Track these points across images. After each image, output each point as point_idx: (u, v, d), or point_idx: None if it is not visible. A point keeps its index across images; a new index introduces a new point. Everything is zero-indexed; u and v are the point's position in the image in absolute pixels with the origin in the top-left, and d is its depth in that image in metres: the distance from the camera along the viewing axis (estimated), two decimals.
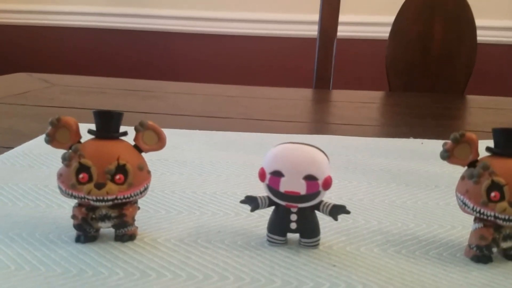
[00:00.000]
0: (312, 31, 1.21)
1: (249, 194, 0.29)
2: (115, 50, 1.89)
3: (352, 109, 0.80)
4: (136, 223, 0.30)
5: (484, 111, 0.83)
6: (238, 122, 0.66)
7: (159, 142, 0.28)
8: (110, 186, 0.26)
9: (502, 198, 0.26)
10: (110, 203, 0.27)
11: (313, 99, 0.91)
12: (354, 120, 0.70)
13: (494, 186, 0.26)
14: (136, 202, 0.29)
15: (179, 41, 1.83)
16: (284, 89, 0.98)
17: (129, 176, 0.27)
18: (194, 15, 1.80)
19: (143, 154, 0.29)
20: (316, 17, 1.08)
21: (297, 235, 0.29)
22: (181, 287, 0.24)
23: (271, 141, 0.53)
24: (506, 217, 0.26)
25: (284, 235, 0.29)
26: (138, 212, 0.30)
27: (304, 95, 0.94)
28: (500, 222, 0.26)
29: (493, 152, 0.28)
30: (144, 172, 0.28)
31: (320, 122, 0.70)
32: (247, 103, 0.81)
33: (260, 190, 0.28)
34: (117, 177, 0.26)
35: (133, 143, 0.28)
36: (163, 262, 0.26)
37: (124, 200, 0.27)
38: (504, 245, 0.27)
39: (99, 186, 0.26)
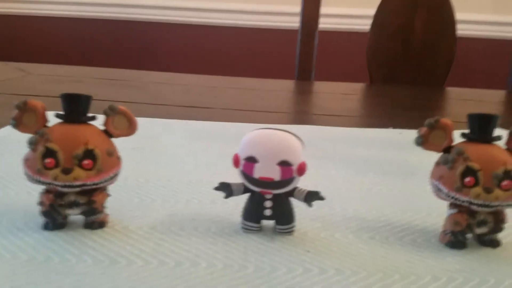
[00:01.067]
0: (294, 22, 1.21)
1: (224, 181, 0.29)
2: (93, 39, 1.85)
3: (333, 100, 0.80)
4: (107, 212, 0.29)
5: (464, 103, 0.83)
6: (219, 113, 0.65)
7: (130, 127, 0.28)
8: (78, 171, 0.26)
9: (476, 183, 0.26)
10: (78, 189, 0.26)
11: (295, 90, 0.91)
12: (335, 111, 0.70)
13: (469, 171, 0.26)
14: (105, 188, 0.28)
15: (159, 31, 1.81)
16: (266, 80, 0.97)
17: (97, 161, 0.26)
18: (174, 5, 1.77)
19: (113, 139, 0.28)
20: (298, 8, 1.07)
21: (272, 222, 0.29)
22: (151, 274, 0.23)
23: (251, 131, 0.52)
24: (481, 203, 0.26)
25: (259, 222, 0.29)
26: (110, 200, 0.30)
27: (286, 86, 0.94)
28: (474, 207, 0.26)
29: (468, 137, 0.28)
30: (113, 157, 0.27)
31: (301, 113, 0.70)
32: (228, 94, 0.80)
33: (238, 180, 0.28)
34: (85, 162, 0.26)
35: (102, 128, 0.27)
36: (134, 249, 0.26)
37: (92, 187, 0.26)
38: (479, 230, 0.27)
39: (66, 171, 0.25)
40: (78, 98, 0.26)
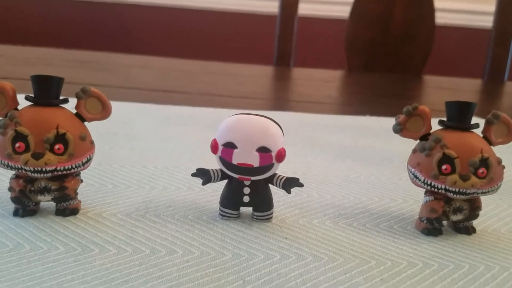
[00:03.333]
0: (273, 7, 1.20)
1: (202, 167, 0.28)
2: (65, 20, 1.80)
3: (312, 87, 0.80)
4: (80, 198, 0.28)
5: (441, 91, 0.84)
6: (195, 98, 0.64)
7: (104, 111, 0.27)
8: (49, 156, 0.25)
9: (453, 171, 0.26)
10: (49, 174, 0.25)
11: (273, 76, 0.90)
12: (313, 98, 0.70)
13: (446, 159, 0.26)
14: (78, 174, 0.27)
15: (134, 13, 1.77)
16: (244, 65, 0.96)
17: (69, 146, 0.25)
18: None
19: (86, 124, 0.27)
20: None
21: (250, 209, 0.28)
22: (125, 262, 0.23)
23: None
24: (457, 190, 0.26)
25: (237, 208, 0.28)
26: (83, 186, 0.29)
27: (264, 72, 0.93)
28: (450, 195, 0.26)
29: (446, 125, 0.28)
30: (86, 142, 0.26)
31: (280, 99, 0.70)
32: (205, 79, 0.79)
33: (216, 166, 0.27)
34: (57, 147, 0.25)
35: (74, 111, 0.26)
36: (107, 236, 0.25)
37: (64, 172, 0.25)
38: (454, 218, 0.27)
39: (37, 156, 0.24)
40: (50, 80, 0.25)
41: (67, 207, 0.27)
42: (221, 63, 0.97)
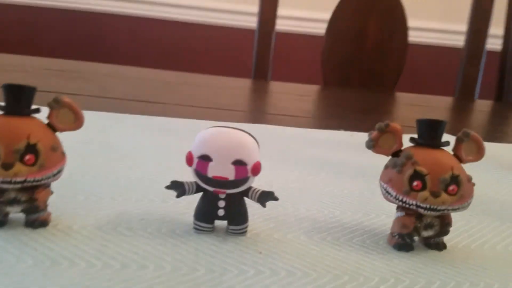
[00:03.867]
0: (252, 22, 1.21)
1: (177, 179, 0.28)
2: (42, 28, 1.77)
3: (288, 100, 0.80)
4: (50, 209, 0.27)
5: (412, 108, 0.86)
6: (173, 109, 0.64)
7: (76, 122, 0.26)
8: (19, 167, 0.24)
9: (424, 187, 0.27)
10: (19, 185, 0.25)
11: (251, 89, 0.91)
12: (289, 111, 0.70)
13: (417, 175, 0.27)
14: (48, 185, 0.26)
15: (112, 22, 1.76)
16: (222, 77, 0.97)
17: (40, 156, 0.24)
18: None
19: (58, 134, 0.26)
20: (256, 8, 1.07)
21: (225, 223, 0.28)
22: (95, 277, 0.22)
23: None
24: (428, 206, 0.26)
25: (212, 222, 0.28)
26: (53, 197, 0.28)
27: (242, 85, 0.93)
28: (421, 211, 0.27)
29: (417, 142, 0.28)
30: (58, 153, 0.25)
31: (257, 112, 0.70)
32: (183, 90, 0.79)
33: (191, 176, 0.27)
34: (27, 157, 0.24)
35: (46, 121, 0.26)
36: (77, 250, 0.24)
37: (34, 183, 0.25)
38: (425, 233, 0.28)
39: (7, 166, 0.24)
40: (21, 89, 0.25)
41: (36, 219, 0.26)
42: (199, 75, 0.97)
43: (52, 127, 0.26)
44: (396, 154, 0.28)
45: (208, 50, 1.78)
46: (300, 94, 0.88)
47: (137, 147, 0.44)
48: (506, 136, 0.70)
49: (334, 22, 1.12)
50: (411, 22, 1.12)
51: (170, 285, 0.22)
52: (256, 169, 0.26)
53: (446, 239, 0.29)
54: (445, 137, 0.28)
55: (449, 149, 0.28)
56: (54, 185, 0.29)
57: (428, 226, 0.28)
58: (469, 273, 0.26)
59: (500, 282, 0.25)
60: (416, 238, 0.29)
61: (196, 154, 0.26)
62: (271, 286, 0.23)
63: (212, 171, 0.26)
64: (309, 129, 0.58)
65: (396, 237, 0.28)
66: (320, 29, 1.22)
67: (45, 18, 1.76)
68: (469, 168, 0.28)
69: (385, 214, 0.33)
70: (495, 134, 0.70)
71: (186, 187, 0.27)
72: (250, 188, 0.27)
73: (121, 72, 0.89)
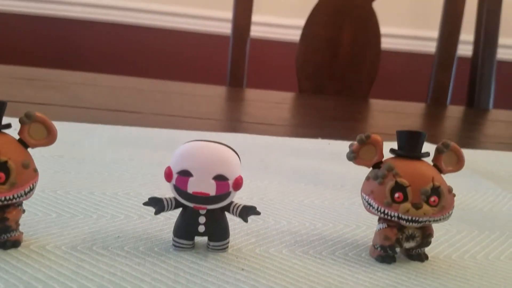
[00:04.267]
0: (226, 28, 1.20)
1: (155, 195, 0.27)
2: (10, 35, 1.72)
3: (264, 108, 0.80)
4: (22, 228, 0.26)
5: (386, 115, 0.87)
6: (147, 118, 0.62)
7: (49, 136, 0.25)
8: None
9: (405, 199, 0.27)
10: None
11: (226, 97, 0.90)
12: (266, 119, 0.70)
13: (398, 187, 0.27)
14: (20, 204, 0.25)
15: (83, 29, 1.72)
16: (197, 85, 0.96)
17: (11, 174, 0.23)
18: (100, 3, 1.69)
19: (29, 150, 0.25)
20: (230, 14, 1.07)
21: (205, 239, 0.27)
22: None
23: (182, 138, 0.50)
24: (409, 218, 0.26)
25: (192, 238, 0.27)
26: (24, 215, 0.27)
27: (217, 92, 0.93)
28: (403, 222, 0.27)
29: (397, 154, 0.28)
30: (29, 170, 0.24)
31: (233, 120, 0.69)
32: (157, 98, 0.78)
33: (169, 191, 0.26)
34: None
35: (17, 137, 0.25)
36: (52, 272, 0.23)
37: (5, 202, 0.24)
38: (407, 245, 0.28)
39: None
40: None
41: (8, 239, 0.25)
42: (173, 82, 0.95)
43: (23, 143, 0.25)
44: (377, 165, 0.28)
45: (182, 56, 1.77)
46: (276, 102, 0.87)
47: (112, 160, 0.42)
48: (477, 142, 0.71)
49: (307, 29, 1.13)
50: (383, 29, 1.14)
51: None
52: (238, 184, 0.25)
53: (427, 249, 0.29)
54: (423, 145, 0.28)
55: (429, 160, 0.28)
56: (26, 202, 0.27)
57: (410, 238, 0.28)
58: (451, 285, 0.26)
59: None
60: (398, 249, 0.28)
61: (175, 169, 0.25)
62: None
63: (193, 186, 0.25)
64: (286, 138, 0.57)
65: (379, 249, 0.28)
66: (294, 35, 1.23)
67: (13, 24, 1.71)
68: (446, 175, 0.28)
69: (366, 225, 0.33)
70: (468, 140, 0.72)
71: (165, 203, 0.27)
72: (231, 203, 0.27)
73: (93, 80, 0.87)
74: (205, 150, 0.25)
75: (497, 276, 0.28)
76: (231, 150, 0.26)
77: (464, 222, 0.36)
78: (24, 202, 0.26)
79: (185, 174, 0.25)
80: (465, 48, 1.16)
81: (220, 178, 0.25)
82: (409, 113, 0.91)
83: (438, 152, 0.29)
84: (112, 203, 0.33)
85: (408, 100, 1.11)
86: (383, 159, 0.29)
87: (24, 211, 0.26)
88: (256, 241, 0.29)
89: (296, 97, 1.00)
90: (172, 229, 0.27)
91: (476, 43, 1.11)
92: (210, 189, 0.25)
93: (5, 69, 0.89)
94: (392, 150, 0.29)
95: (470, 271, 0.28)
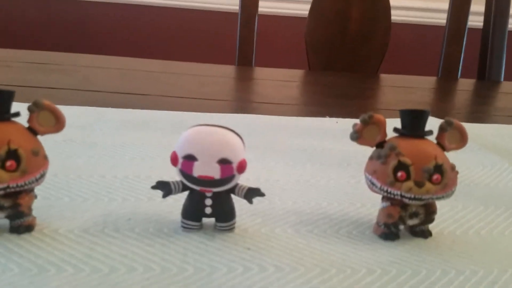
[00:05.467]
0: (234, 5, 1.19)
1: (164, 177, 0.28)
2: (18, 18, 1.73)
3: (273, 87, 0.80)
4: (35, 213, 0.27)
5: (396, 90, 0.87)
6: (156, 100, 0.63)
7: (57, 124, 0.26)
8: (1, 173, 0.24)
9: (408, 177, 0.27)
10: (2, 192, 0.24)
11: (235, 77, 0.90)
12: (274, 99, 0.70)
13: (401, 166, 0.27)
14: (32, 190, 0.26)
15: (90, 10, 1.72)
16: (206, 65, 0.96)
17: (22, 162, 0.24)
18: None
19: (39, 137, 0.26)
20: None
21: (212, 220, 0.28)
22: (83, 283, 0.22)
23: (191, 121, 0.51)
24: (412, 196, 0.27)
25: (199, 220, 0.28)
26: (37, 201, 0.28)
27: (226, 72, 0.92)
28: (406, 200, 0.27)
29: (400, 133, 0.29)
30: (40, 157, 0.25)
31: (242, 101, 0.70)
32: (166, 79, 0.78)
33: (177, 177, 0.27)
34: (8, 163, 0.24)
35: (27, 125, 0.25)
36: (64, 255, 0.24)
37: (17, 189, 0.25)
38: (410, 222, 0.28)
39: None
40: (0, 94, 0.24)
41: (21, 224, 0.26)
42: (181, 63, 0.95)
43: (33, 131, 0.26)
44: (380, 145, 0.29)
45: (190, 34, 1.76)
46: (285, 80, 0.87)
47: (122, 144, 0.43)
48: (488, 116, 0.70)
49: (316, 3, 1.11)
50: (392, 1, 1.12)
51: (160, 287, 0.22)
52: (242, 167, 0.26)
53: (431, 225, 0.30)
54: (430, 120, 0.28)
55: (432, 138, 0.29)
56: (38, 187, 0.28)
57: (413, 215, 0.28)
58: (454, 261, 0.27)
59: (485, 269, 0.26)
60: (401, 227, 0.29)
61: (180, 154, 0.26)
62: (260, 283, 0.23)
63: (198, 170, 0.26)
64: (294, 118, 0.57)
65: (382, 226, 0.29)
66: (304, 10, 1.21)
67: (20, 7, 1.71)
68: (451, 155, 0.29)
69: (370, 203, 0.34)
70: (478, 114, 0.71)
71: (172, 186, 0.27)
72: (236, 185, 0.27)
73: (102, 63, 0.88)
74: (209, 135, 0.26)
75: (500, 251, 0.28)
76: (234, 134, 0.26)
77: (470, 198, 0.36)
78: (36, 187, 0.27)
79: (190, 158, 0.26)
80: (476, 19, 1.14)
81: (224, 162, 0.26)
82: (420, 88, 0.90)
83: (441, 129, 0.29)
84: (123, 186, 0.34)
85: (419, 73, 1.10)
86: (386, 139, 0.29)
87: (36, 196, 0.27)
88: (262, 221, 0.30)
89: (305, 74, 0.99)
90: (181, 211, 0.28)
91: (487, 13, 1.08)
92: (215, 172, 0.26)
93: (15, 53, 0.90)
94: (395, 129, 0.29)
95: (474, 247, 0.28)
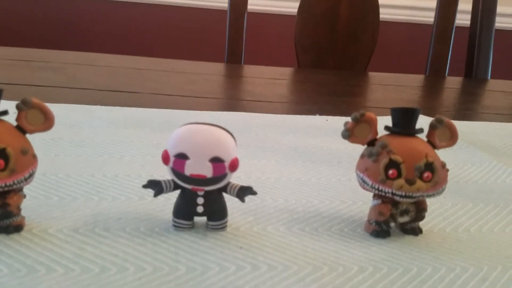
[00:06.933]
0: (223, 2, 1.19)
1: (154, 176, 0.28)
2: (6, 15, 1.70)
3: (263, 85, 0.80)
4: (24, 213, 0.27)
5: (385, 88, 0.87)
6: (146, 98, 0.62)
7: (46, 122, 0.25)
8: None
9: (399, 175, 0.27)
10: None
11: (225, 74, 0.90)
12: (264, 96, 0.70)
13: (392, 164, 0.27)
14: (21, 190, 0.26)
15: (78, 7, 1.70)
16: (195, 62, 0.95)
17: (10, 161, 0.24)
18: None
19: (28, 136, 0.25)
20: None
21: (204, 218, 0.28)
22: (74, 283, 0.22)
23: (181, 119, 0.51)
24: (403, 194, 0.27)
25: (191, 219, 0.28)
26: (27, 200, 0.27)
27: (216, 69, 0.92)
28: (397, 198, 0.27)
29: (391, 131, 0.29)
30: (28, 156, 0.25)
31: (232, 99, 0.70)
32: (156, 77, 0.77)
33: (168, 175, 0.27)
34: None
35: (15, 123, 0.25)
36: (54, 255, 0.24)
37: (6, 189, 0.24)
38: (401, 219, 0.29)
39: None
40: None
41: (10, 224, 0.26)
42: (171, 60, 0.95)
43: (21, 129, 0.25)
44: (371, 143, 0.29)
45: (179, 32, 1.75)
46: (274, 78, 0.87)
47: (111, 142, 0.43)
48: (475, 113, 0.71)
49: (305, 1, 1.11)
50: (381, 0, 1.13)
51: (152, 287, 0.22)
52: (234, 166, 0.26)
53: (421, 223, 0.30)
54: (419, 118, 0.28)
55: (423, 136, 0.29)
56: (27, 187, 0.28)
57: (404, 212, 0.28)
58: (445, 258, 0.27)
59: (475, 266, 0.26)
60: (392, 224, 0.29)
61: (172, 153, 0.26)
62: (252, 282, 0.23)
63: (189, 169, 0.25)
64: (284, 115, 0.58)
65: (373, 224, 0.29)
66: (293, 8, 1.21)
67: (6, 4, 1.69)
68: (442, 152, 0.29)
69: (361, 201, 0.34)
70: (466, 111, 0.72)
71: (164, 185, 0.27)
72: (228, 183, 0.27)
73: (90, 60, 0.87)
74: (201, 133, 0.26)
75: (490, 248, 0.28)
76: (226, 132, 0.26)
77: (459, 195, 0.36)
78: (25, 186, 0.26)
79: (181, 157, 0.25)
80: (463, 17, 1.15)
81: (216, 160, 0.25)
82: (408, 86, 0.90)
83: (432, 127, 0.29)
84: (113, 185, 0.33)
85: (407, 71, 1.10)
86: (378, 137, 0.29)
87: (25, 196, 0.26)
88: (254, 219, 0.30)
89: (295, 72, 0.99)
90: (172, 210, 0.28)
91: (474, 12, 1.09)
92: (207, 171, 0.25)
93: (2, 50, 0.89)
94: (386, 127, 0.29)
95: (464, 244, 0.29)
